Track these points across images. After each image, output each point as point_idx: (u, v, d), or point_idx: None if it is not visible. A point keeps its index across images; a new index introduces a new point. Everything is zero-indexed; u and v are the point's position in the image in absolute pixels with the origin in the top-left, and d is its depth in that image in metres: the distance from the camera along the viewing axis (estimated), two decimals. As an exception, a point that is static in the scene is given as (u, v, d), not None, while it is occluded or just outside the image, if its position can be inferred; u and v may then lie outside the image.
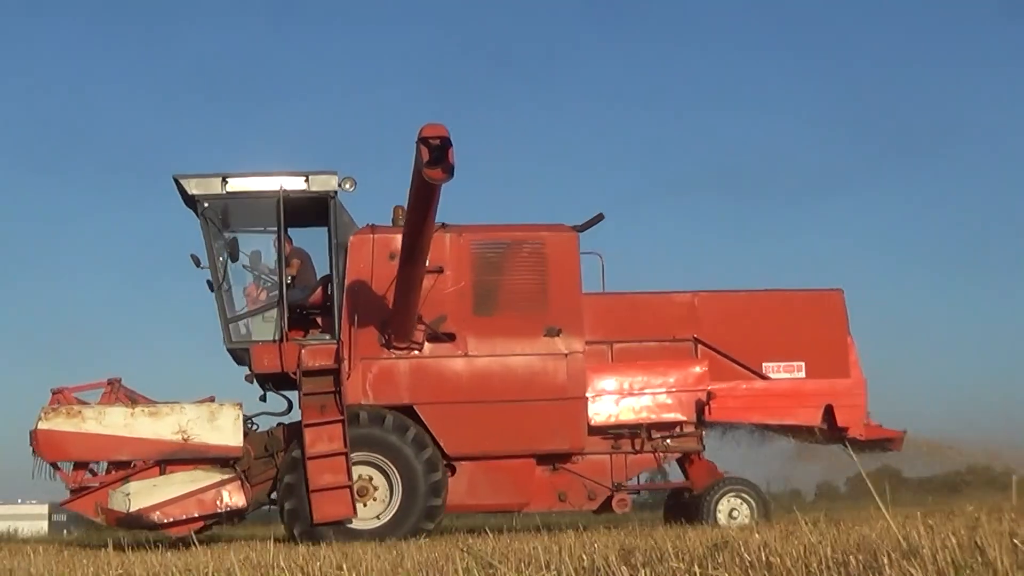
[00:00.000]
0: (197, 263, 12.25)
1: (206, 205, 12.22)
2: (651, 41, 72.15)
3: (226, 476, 11.08)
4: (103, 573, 6.21)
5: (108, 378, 11.51)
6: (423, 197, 9.86)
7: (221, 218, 12.35)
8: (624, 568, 4.26)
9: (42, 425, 10.84)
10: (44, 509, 38.99)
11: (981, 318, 56.76)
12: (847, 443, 12.66)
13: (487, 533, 8.16)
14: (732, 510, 12.09)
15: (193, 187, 12.19)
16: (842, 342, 12.75)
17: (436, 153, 8.85)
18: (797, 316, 12.83)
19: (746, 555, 4.30)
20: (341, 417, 11.11)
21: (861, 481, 13.99)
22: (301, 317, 12.69)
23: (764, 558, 4.17)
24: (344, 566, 5.27)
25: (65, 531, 30.60)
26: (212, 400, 11.42)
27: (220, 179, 12.21)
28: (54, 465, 11.08)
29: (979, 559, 3.58)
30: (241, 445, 11.07)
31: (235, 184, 12.28)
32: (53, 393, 11.29)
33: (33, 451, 10.93)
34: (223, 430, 10.98)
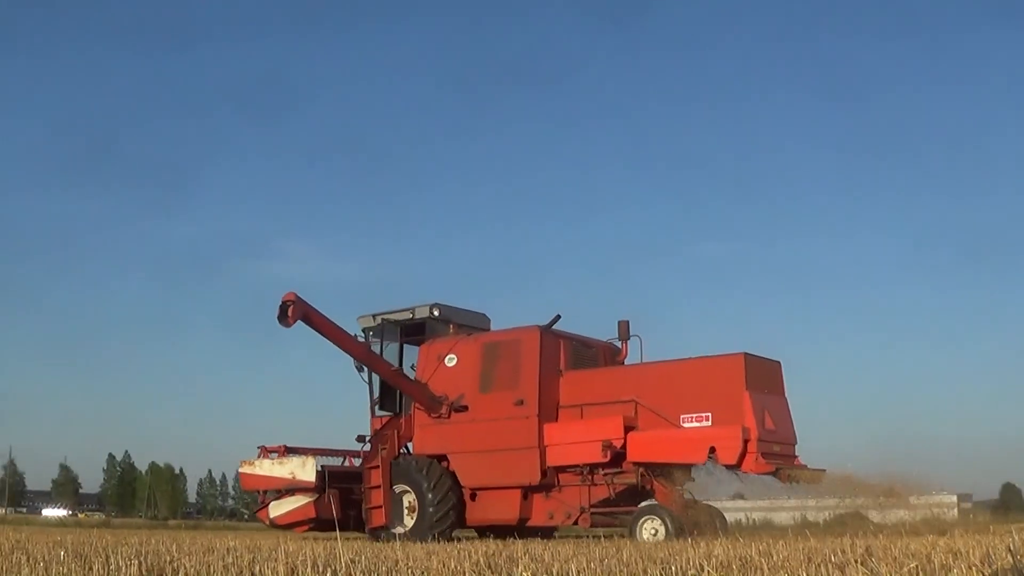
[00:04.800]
0: (360, 369, 19.92)
1: (371, 334, 19.92)
2: None
3: (308, 499, 18.27)
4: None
5: (283, 444, 19.55)
6: (315, 328, 16.77)
7: (377, 338, 20.04)
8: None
9: (240, 470, 19.23)
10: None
11: None
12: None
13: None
14: (653, 529, 15.77)
15: (361, 323, 19.99)
16: (739, 396, 15.67)
17: (282, 310, 15.85)
18: (706, 378, 16.17)
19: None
20: (377, 464, 17.88)
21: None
22: None
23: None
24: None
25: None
26: (314, 453, 18.78)
27: (372, 316, 19.90)
28: (254, 492, 19.48)
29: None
30: (313, 480, 18.07)
31: (380, 318, 19.86)
32: (259, 448, 19.55)
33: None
34: (308, 472, 18.20)
